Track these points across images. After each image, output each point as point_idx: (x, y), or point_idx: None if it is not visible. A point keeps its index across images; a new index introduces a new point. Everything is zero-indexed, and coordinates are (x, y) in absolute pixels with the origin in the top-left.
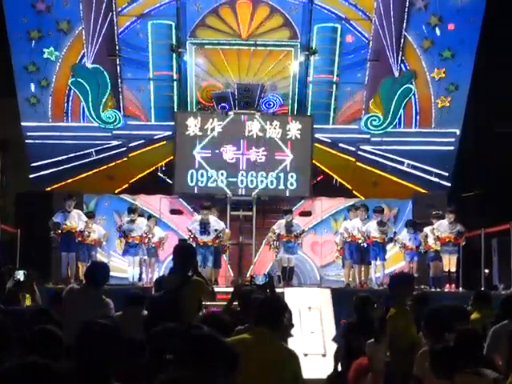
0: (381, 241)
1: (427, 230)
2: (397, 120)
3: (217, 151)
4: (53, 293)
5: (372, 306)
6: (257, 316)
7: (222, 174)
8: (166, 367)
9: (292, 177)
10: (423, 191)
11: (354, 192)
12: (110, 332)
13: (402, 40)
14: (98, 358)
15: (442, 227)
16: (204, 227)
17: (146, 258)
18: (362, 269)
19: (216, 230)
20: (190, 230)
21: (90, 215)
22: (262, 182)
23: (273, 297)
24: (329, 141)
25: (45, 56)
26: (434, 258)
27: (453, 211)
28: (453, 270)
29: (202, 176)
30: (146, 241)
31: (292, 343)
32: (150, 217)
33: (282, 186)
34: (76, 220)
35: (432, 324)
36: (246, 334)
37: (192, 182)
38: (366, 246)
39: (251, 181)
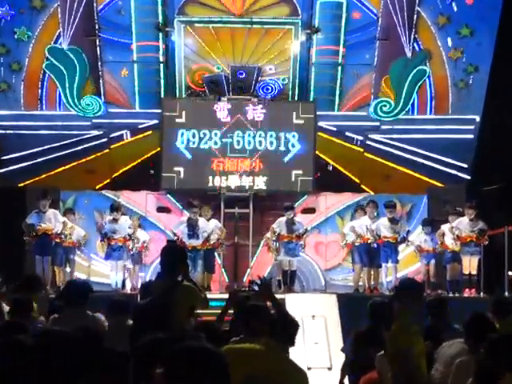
0: (393, 241)
1: (445, 227)
2: (409, 106)
3: (211, 108)
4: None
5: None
6: (271, 329)
7: (215, 135)
8: (154, 381)
9: (294, 137)
10: (439, 185)
11: (362, 186)
12: (81, 341)
13: (415, 16)
14: (67, 366)
15: (461, 225)
16: (192, 230)
17: (130, 266)
18: (372, 272)
19: (205, 232)
20: (175, 234)
21: (69, 212)
22: (260, 142)
23: (288, 315)
24: (334, 129)
25: (16, 37)
26: (451, 259)
27: (473, 207)
28: (474, 272)
29: (193, 136)
30: (130, 246)
31: (294, 355)
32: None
33: (282, 148)
34: (52, 221)
35: (474, 325)
36: (255, 343)
37: (183, 143)
38: (376, 246)
39: (249, 142)
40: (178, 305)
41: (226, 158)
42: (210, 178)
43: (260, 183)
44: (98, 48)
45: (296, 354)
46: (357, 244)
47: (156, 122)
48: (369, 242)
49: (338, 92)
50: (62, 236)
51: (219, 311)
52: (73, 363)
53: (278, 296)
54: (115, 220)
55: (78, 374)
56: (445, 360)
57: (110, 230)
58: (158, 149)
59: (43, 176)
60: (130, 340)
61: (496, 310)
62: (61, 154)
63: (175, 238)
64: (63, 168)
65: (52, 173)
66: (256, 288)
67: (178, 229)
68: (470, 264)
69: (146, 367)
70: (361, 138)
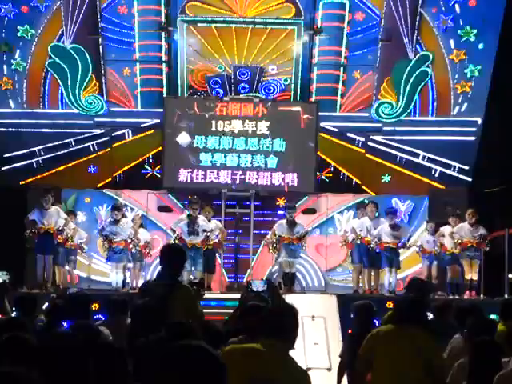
0: (393, 246)
1: (445, 230)
2: (411, 107)
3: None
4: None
5: (375, 314)
6: (266, 327)
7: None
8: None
9: None
10: (441, 187)
11: (363, 187)
12: (80, 340)
13: (418, 18)
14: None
15: (462, 231)
16: (192, 227)
17: (130, 265)
18: (372, 274)
19: (204, 231)
20: (174, 231)
21: (70, 213)
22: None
23: (286, 306)
24: (336, 130)
25: (19, 34)
26: (451, 261)
27: (474, 213)
28: (475, 278)
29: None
30: (131, 246)
31: (294, 356)
32: (133, 219)
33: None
34: (54, 218)
35: None
36: (256, 344)
37: None
38: (377, 251)
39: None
40: (176, 306)
41: (229, 103)
42: (213, 121)
43: (263, 128)
44: (100, 47)
45: (295, 355)
46: (357, 243)
47: (158, 121)
48: (369, 245)
49: (340, 93)
50: (63, 233)
51: (218, 310)
52: (75, 363)
53: None
54: (116, 221)
55: (80, 373)
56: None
57: (110, 233)
58: (160, 148)
59: (45, 174)
60: (127, 339)
61: (503, 312)
62: (62, 152)
63: (174, 235)
64: (65, 166)
65: (53, 171)
66: (254, 289)
67: (177, 226)
68: (471, 269)
69: (143, 367)
70: (362, 139)
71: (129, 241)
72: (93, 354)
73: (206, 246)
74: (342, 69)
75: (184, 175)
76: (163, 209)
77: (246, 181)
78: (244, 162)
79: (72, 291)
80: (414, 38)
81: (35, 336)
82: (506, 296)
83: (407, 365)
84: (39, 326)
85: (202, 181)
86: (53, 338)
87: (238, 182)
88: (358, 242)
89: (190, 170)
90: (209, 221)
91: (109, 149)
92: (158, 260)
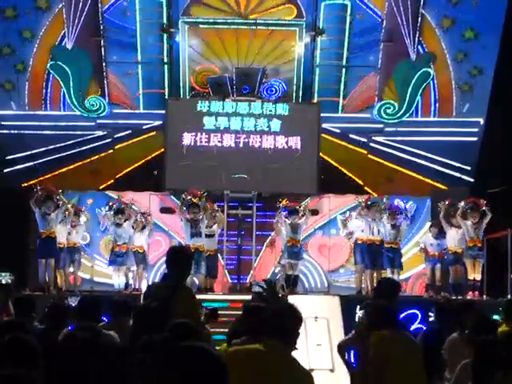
0: (395, 246)
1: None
2: (413, 108)
3: None
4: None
5: None
6: (269, 328)
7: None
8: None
9: None
10: (443, 187)
11: (365, 188)
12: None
13: (420, 19)
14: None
15: (465, 228)
16: (195, 228)
17: (134, 268)
18: (375, 274)
19: (207, 231)
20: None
21: (75, 216)
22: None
23: (286, 306)
24: (338, 131)
25: (21, 37)
26: (453, 261)
27: (477, 213)
28: (478, 278)
29: None
30: (132, 247)
31: (296, 357)
32: (135, 220)
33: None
34: (56, 223)
35: None
36: (258, 344)
37: None
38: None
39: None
40: (177, 307)
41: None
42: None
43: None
44: (102, 48)
45: (298, 356)
46: (359, 243)
47: (160, 122)
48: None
49: (342, 94)
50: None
51: (220, 311)
52: (75, 363)
53: None
54: (119, 225)
55: (80, 373)
56: None
57: (114, 234)
58: (162, 149)
59: (47, 176)
60: (129, 341)
61: (507, 313)
62: (65, 154)
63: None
64: (67, 168)
65: (56, 173)
66: (257, 289)
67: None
68: (474, 269)
69: (144, 368)
70: (364, 140)
71: (130, 243)
72: (93, 354)
73: (208, 251)
74: (343, 70)
75: (188, 138)
76: (165, 210)
77: (250, 144)
78: (247, 126)
79: (72, 299)
80: (416, 38)
81: (35, 337)
82: (508, 296)
83: (414, 366)
84: (38, 329)
85: (206, 144)
86: (53, 339)
87: (241, 145)
88: (360, 241)
89: (194, 133)
90: (214, 217)
91: (111, 150)
92: (163, 261)
